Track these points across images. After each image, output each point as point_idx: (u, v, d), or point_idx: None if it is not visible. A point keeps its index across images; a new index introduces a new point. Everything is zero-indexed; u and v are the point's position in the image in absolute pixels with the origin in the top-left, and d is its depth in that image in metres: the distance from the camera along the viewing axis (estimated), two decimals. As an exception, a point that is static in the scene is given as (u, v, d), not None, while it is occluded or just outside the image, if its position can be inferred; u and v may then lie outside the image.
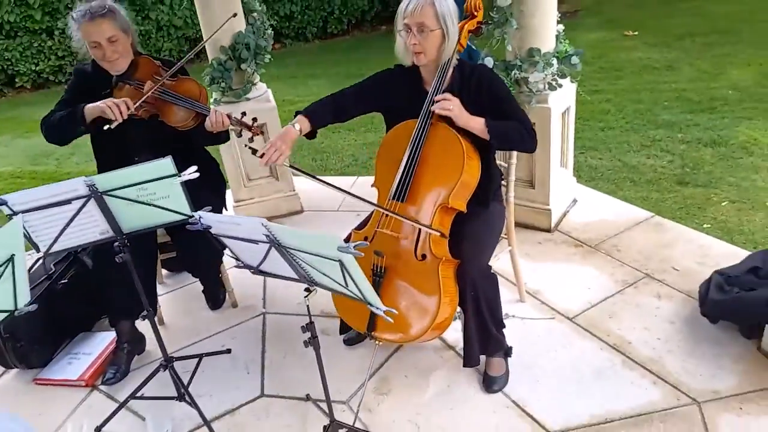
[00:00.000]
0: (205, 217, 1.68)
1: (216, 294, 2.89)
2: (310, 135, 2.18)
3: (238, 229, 1.63)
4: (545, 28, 2.80)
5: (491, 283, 2.08)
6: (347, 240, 2.19)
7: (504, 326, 2.21)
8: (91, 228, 1.94)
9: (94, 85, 2.42)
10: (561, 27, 2.92)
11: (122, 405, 2.27)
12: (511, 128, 2.04)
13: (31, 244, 1.87)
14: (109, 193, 1.83)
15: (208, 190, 2.57)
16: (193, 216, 1.76)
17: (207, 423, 2.17)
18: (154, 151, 2.11)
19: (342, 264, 1.49)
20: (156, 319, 2.70)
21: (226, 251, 1.85)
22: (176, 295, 3.06)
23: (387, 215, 2.06)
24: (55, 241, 1.89)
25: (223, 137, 2.52)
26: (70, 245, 1.95)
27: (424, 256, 2.01)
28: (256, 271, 1.80)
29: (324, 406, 2.02)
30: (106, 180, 1.81)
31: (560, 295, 2.67)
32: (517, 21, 2.74)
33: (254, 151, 1.99)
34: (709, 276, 2.44)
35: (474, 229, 2.12)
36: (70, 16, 2.35)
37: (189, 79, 2.47)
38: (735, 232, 3.12)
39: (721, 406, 2.04)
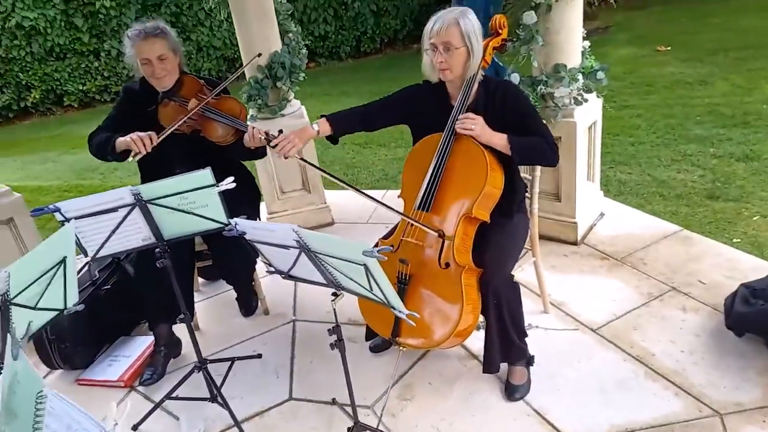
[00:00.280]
0: (241, 223, 1.79)
1: (249, 301, 3.01)
2: (332, 139, 2.29)
3: (271, 235, 1.73)
4: (571, 44, 2.87)
5: (514, 293, 2.13)
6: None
7: (526, 335, 2.25)
8: (134, 235, 2.07)
9: (141, 101, 2.60)
10: (587, 43, 2.98)
11: (158, 405, 2.39)
12: (534, 144, 2.10)
13: (80, 248, 2.01)
14: (153, 201, 1.97)
15: (244, 202, 2.69)
16: (229, 224, 1.88)
17: (237, 423, 2.27)
18: (194, 164, 2.24)
19: (367, 268, 1.57)
20: (192, 324, 2.84)
21: (260, 258, 1.95)
22: (211, 303, 3.19)
23: (412, 225, 2.14)
24: (102, 246, 2.03)
25: (260, 153, 2.66)
26: (115, 251, 2.09)
27: (447, 265, 2.08)
28: (287, 276, 1.90)
29: (349, 409, 2.10)
30: (150, 189, 1.95)
31: (585, 307, 2.69)
32: (543, 38, 2.81)
33: (269, 141, 2.12)
34: (735, 289, 2.43)
35: (498, 240, 2.18)
36: (125, 35, 2.53)
37: (231, 98, 2.63)
38: (766, 247, 3.09)
39: (744, 418, 2.04)
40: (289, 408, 2.40)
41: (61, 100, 9.29)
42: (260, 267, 2.23)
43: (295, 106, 3.58)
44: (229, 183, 1.96)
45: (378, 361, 2.56)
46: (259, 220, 2.96)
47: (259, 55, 3.02)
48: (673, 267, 2.87)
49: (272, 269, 1.93)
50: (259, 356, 2.69)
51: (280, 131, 2.50)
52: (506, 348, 2.19)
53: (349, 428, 2.06)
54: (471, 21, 2.06)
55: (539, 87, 2.88)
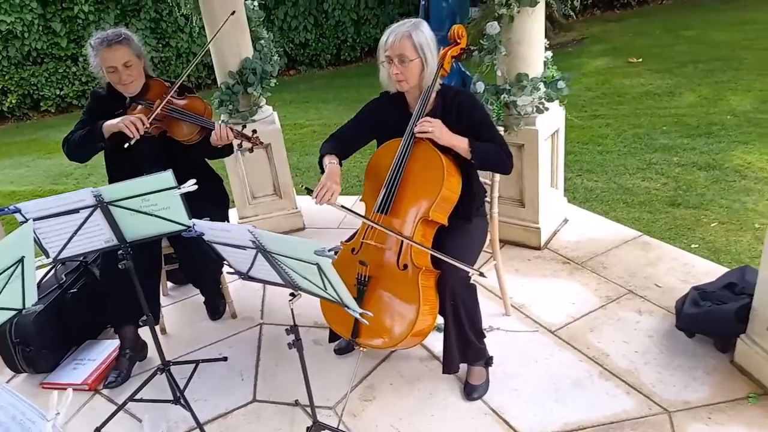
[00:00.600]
0: (198, 224, 1.82)
1: (216, 305, 3.03)
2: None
3: (227, 235, 1.77)
4: (533, 54, 2.95)
5: (470, 294, 2.19)
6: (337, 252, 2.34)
7: (484, 336, 2.31)
8: (97, 236, 2.09)
9: (109, 107, 2.62)
10: (549, 53, 3.07)
11: (121, 407, 2.40)
12: (492, 150, 2.17)
13: (41, 250, 2.03)
14: (114, 203, 1.99)
15: (210, 205, 2.73)
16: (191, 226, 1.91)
17: (200, 425, 2.29)
18: (163, 167, 2.28)
19: (320, 267, 1.61)
20: (159, 327, 2.86)
21: (226, 262, 1.99)
22: (179, 307, 3.21)
23: (372, 227, 2.19)
24: (64, 247, 2.05)
25: (226, 151, 2.71)
26: (78, 252, 2.11)
27: (405, 266, 2.13)
28: (246, 276, 1.94)
29: (310, 411, 2.13)
30: (111, 191, 1.97)
31: (545, 310, 2.76)
32: (505, 48, 2.89)
33: (309, 192, 2.08)
34: (687, 292, 2.52)
35: (455, 242, 2.24)
36: (88, 44, 2.56)
37: (195, 97, 2.68)
38: (722, 252, 3.19)
39: (690, 415, 2.11)
40: (253, 409, 2.43)
41: (38, 105, 9.21)
42: (229, 271, 2.26)
43: (266, 112, 3.63)
44: (190, 185, 2.00)
45: (342, 363, 2.60)
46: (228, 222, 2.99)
47: (233, 12, 3.01)
48: (631, 271, 2.95)
49: (232, 270, 1.96)
50: (225, 359, 2.72)
51: (254, 131, 2.58)
52: (464, 348, 2.24)
53: (308, 428, 2.09)
54: (424, 33, 2.13)
55: (502, 95, 2.96)
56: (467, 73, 3.99)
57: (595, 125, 5.35)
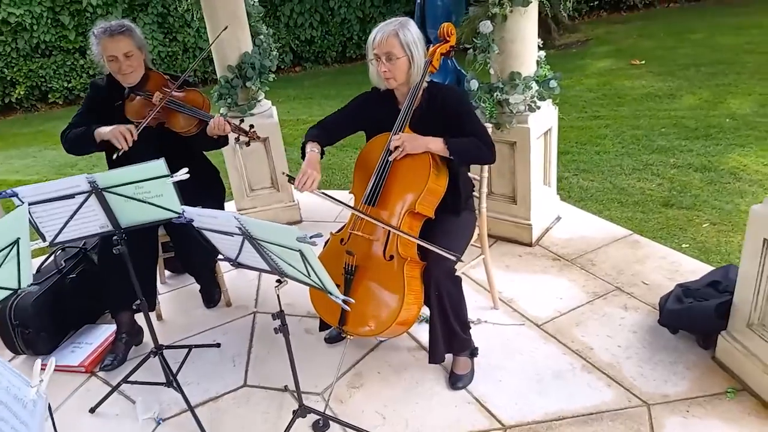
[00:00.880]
0: (188, 211, 1.88)
1: (211, 293, 3.10)
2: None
3: (215, 221, 1.83)
4: (526, 53, 2.99)
5: (455, 285, 2.24)
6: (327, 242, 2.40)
7: (469, 327, 2.35)
8: (92, 221, 2.16)
9: (108, 96, 2.69)
10: (542, 53, 3.11)
11: (115, 388, 2.47)
12: (471, 144, 2.22)
13: (38, 233, 2.10)
14: (108, 189, 2.05)
15: (206, 195, 2.80)
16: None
17: (191, 407, 2.35)
18: (159, 157, 2.34)
19: (302, 254, 1.67)
20: (155, 314, 2.93)
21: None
22: (176, 294, 3.28)
23: (361, 219, 2.25)
24: (60, 231, 2.12)
25: (222, 142, 2.77)
26: (73, 236, 2.17)
27: (391, 257, 2.18)
28: (235, 263, 1.99)
29: (297, 395, 2.18)
30: (106, 177, 2.04)
31: (532, 304, 2.80)
32: (498, 46, 2.93)
33: (291, 179, 2.16)
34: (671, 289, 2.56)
35: (441, 233, 2.29)
36: (91, 32, 2.62)
37: (194, 90, 2.75)
38: (712, 252, 3.23)
39: (668, 408, 2.15)
40: (243, 394, 2.49)
41: (46, 97, 9.33)
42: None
43: (264, 106, 3.69)
44: (182, 174, 2.06)
45: (332, 352, 2.65)
46: (223, 212, 3.05)
47: (226, 27, 3.11)
48: (619, 268, 2.99)
49: (222, 257, 2.02)
50: (218, 345, 2.78)
51: (251, 126, 2.64)
52: (449, 339, 2.29)
53: (294, 411, 2.15)
54: (411, 31, 2.18)
55: (495, 93, 3.00)
56: (462, 71, 4.03)
57: (595, 126, 5.38)
